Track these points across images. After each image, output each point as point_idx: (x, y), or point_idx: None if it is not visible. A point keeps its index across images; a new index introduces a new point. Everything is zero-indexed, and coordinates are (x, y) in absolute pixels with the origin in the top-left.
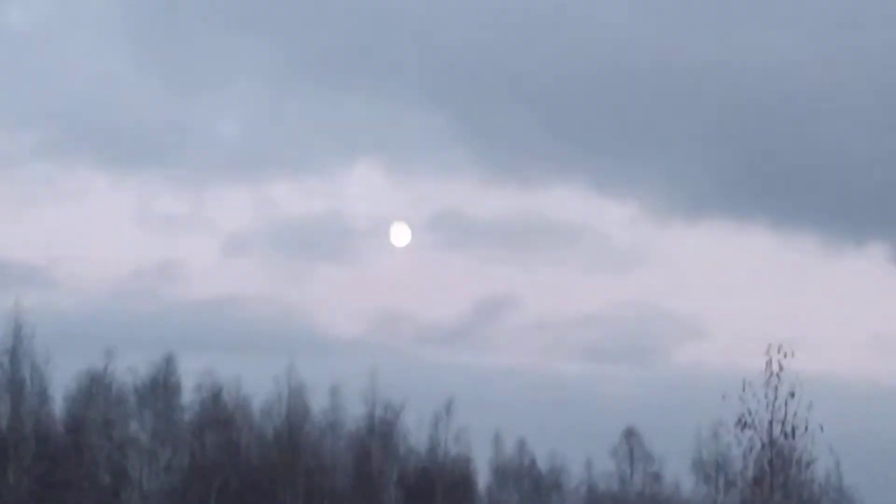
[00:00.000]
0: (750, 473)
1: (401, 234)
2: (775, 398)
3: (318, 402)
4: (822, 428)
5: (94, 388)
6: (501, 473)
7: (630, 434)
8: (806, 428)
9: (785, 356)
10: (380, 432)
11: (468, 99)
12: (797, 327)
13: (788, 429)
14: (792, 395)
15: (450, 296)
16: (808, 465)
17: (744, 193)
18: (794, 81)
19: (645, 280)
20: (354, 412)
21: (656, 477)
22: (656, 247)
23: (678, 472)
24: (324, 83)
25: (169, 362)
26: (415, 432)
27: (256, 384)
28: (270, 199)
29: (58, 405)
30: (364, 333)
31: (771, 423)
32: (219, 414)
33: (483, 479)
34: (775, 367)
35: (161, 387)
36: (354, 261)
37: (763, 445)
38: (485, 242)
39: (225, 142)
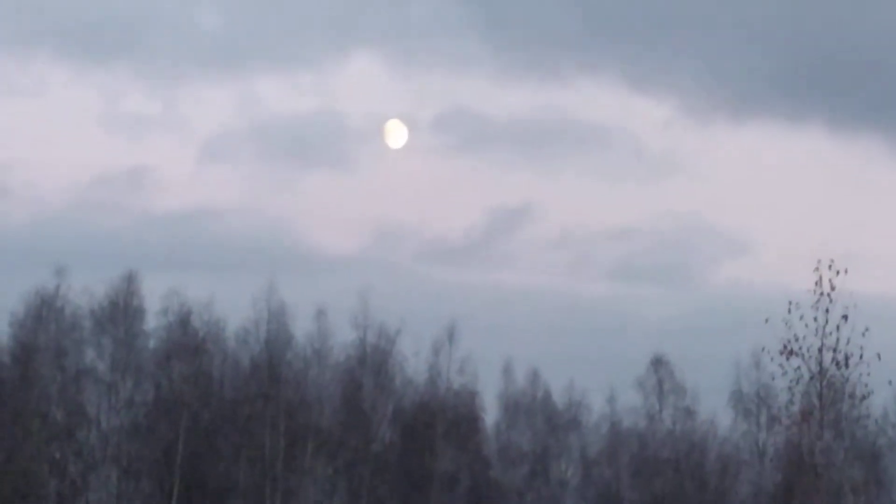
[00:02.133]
0: (796, 408)
1: (397, 135)
2: (826, 322)
3: (301, 327)
4: (879, 356)
5: (45, 312)
6: (512, 408)
7: (659, 363)
8: (861, 356)
9: (837, 274)
10: (372, 362)
11: None
12: (856, 242)
13: (841, 357)
14: (845, 318)
15: (457, 206)
16: (863, 398)
17: (797, 89)
18: None
19: (682, 189)
20: (343, 339)
21: (689, 412)
22: (696, 151)
23: (714, 407)
24: None
25: (130, 282)
26: (412, 362)
27: (231, 307)
28: (254, 96)
29: (3, 331)
30: (357, 249)
31: (821, 350)
32: (188, 341)
33: (491, 414)
34: (826, 287)
35: (121, 310)
36: (349, 167)
37: (811, 376)
38: (499, 145)
39: (202, 31)
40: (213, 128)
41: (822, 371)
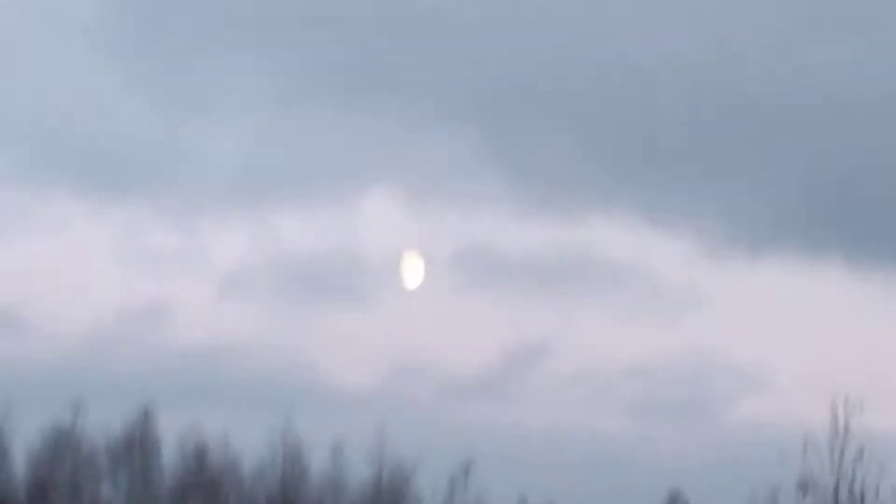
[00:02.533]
0: None
1: (415, 271)
2: (841, 458)
3: (317, 463)
4: (894, 492)
5: (61, 446)
6: None
7: (675, 499)
8: (877, 492)
9: (853, 411)
10: (388, 497)
11: (497, 119)
12: (873, 378)
13: (857, 493)
14: (860, 454)
15: (474, 342)
16: None
17: (815, 224)
18: (868, 90)
19: (700, 325)
20: (359, 474)
21: None
22: (713, 287)
23: None
24: (332, 101)
25: (147, 417)
26: (429, 498)
27: (248, 442)
28: (272, 232)
29: (19, 466)
30: (375, 385)
31: (836, 486)
32: (204, 476)
33: None
34: (841, 424)
35: (138, 445)
36: (366, 303)
37: None
38: (516, 282)
39: (221, 168)
40: (231, 263)
41: None
